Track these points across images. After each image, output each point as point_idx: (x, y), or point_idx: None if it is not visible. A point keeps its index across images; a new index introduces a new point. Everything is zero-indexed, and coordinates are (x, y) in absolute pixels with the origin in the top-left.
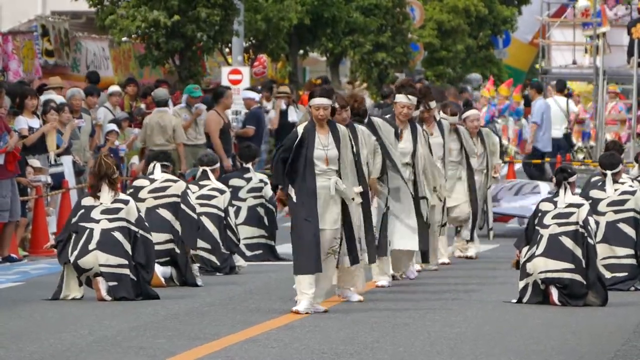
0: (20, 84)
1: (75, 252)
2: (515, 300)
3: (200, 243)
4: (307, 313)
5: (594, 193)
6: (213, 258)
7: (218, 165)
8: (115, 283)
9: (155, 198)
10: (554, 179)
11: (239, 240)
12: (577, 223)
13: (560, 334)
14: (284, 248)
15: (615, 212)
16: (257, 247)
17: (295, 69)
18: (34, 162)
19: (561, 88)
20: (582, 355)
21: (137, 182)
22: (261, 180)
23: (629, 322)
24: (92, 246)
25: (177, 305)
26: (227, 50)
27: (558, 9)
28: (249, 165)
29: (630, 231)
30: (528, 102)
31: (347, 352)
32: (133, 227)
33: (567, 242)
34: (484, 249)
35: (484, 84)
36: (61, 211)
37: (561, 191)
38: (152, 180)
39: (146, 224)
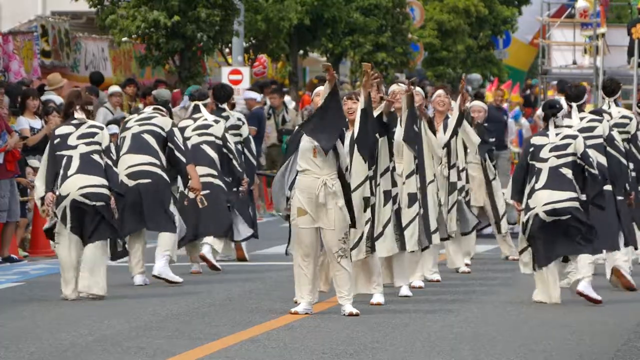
0: (21, 84)
1: (57, 182)
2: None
3: (205, 170)
4: (306, 314)
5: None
6: (220, 182)
7: (209, 100)
8: (102, 203)
9: (141, 125)
10: (543, 115)
11: (240, 165)
12: (574, 154)
13: (560, 334)
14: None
15: (585, 138)
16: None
17: (295, 69)
18: (34, 162)
19: (563, 88)
20: (582, 355)
21: (182, 123)
22: (239, 119)
23: (629, 321)
24: (71, 171)
25: (177, 305)
26: (227, 50)
27: (558, 9)
28: (224, 105)
29: (601, 159)
30: (528, 103)
31: (347, 353)
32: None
33: (568, 173)
34: (484, 249)
35: (486, 84)
36: None
37: (550, 126)
38: (140, 113)
39: (112, 154)
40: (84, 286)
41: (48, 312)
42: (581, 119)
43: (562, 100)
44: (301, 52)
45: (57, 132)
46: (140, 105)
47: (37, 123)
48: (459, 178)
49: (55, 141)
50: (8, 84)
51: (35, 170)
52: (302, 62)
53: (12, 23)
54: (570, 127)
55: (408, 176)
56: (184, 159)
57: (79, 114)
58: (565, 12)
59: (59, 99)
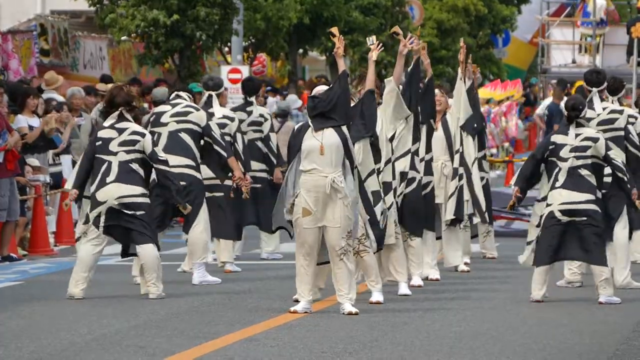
0: (21, 82)
1: (94, 185)
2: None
3: (221, 172)
4: (305, 312)
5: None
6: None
7: (223, 89)
8: (143, 212)
9: (178, 122)
10: (566, 115)
11: (244, 166)
12: (593, 156)
13: (560, 333)
14: (288, 247)
15: (604, 131)
16: (256, 181)
17: (294, 68)
18: (33, 161)
19: (563, 87)
20: (582, 354)
21: (158, 109)
22: (261, 115)
23: (629, 320)
24: (110, 179)
25: (176, 304)
26: (226, 49)
27: (557, 8)
28: (252, 98)
29: (620, 154)
30: (528, 102)
31: (346, 351)
32: (148, 160)
33: (587, 174)
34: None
35: (486, 82)
36: (60, 210)
37: (572, 127)
38: (174, 105)
39: (160, 156)
40: (156, 290)
41: (47, 311)
42: (603, 109)
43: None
44: (300, 51)
45: (100, 134)
46: (145, 105)
47: (36, 122)
48: (461, 164)
49: (97, 143)
50: (7, 83)
51: (34, 169)
52: (301, 61)
53: (12, 22)
54: (592, 119)
55: (385, 164)
56: (224, 153)
57: (123, 120)
58: (565, 11)
59: (60, 98)
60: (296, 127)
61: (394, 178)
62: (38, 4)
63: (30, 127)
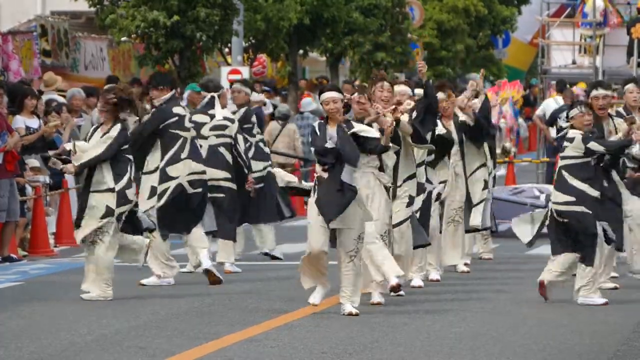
0: (21, 83)
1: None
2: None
3: (222, 174)
4: (314, 305)
5: None
6: (233, 186)
7: (224, 90)
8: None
9: (218, 136)
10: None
11: (248, 167)
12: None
13: (560, 334)
14: (288, 248)
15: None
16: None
17: (294, 68)
18: (33, 162)
19: (561, 88)
20: (582, 355)
21: (197, 118)
22: (225, 118)
23: (629, 321)
24: (128, 175)
25: (176, 305)
26: (226, 50)
27: (558, 8)
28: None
29: None
30: (528, 102)
31: (346, 352)
32: None
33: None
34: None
35: (486, 84)
36: (61, 211)
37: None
38: (212, 117)
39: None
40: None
41: (47, 311)
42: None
43: (560, 99)
44: (301, 51)
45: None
46: (147, 106)
47: (34, 122)
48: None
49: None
50: (7, 84)
51: (34, 169)
52: (301, 62)
53: (12, 23)
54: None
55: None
56: (245, 170)
57: (123, 115)
58: (565, 11)
59: (61, 99)
60: (315, 124)
61: (418, 194)
62: (38, 5)
63: (28, 128)
